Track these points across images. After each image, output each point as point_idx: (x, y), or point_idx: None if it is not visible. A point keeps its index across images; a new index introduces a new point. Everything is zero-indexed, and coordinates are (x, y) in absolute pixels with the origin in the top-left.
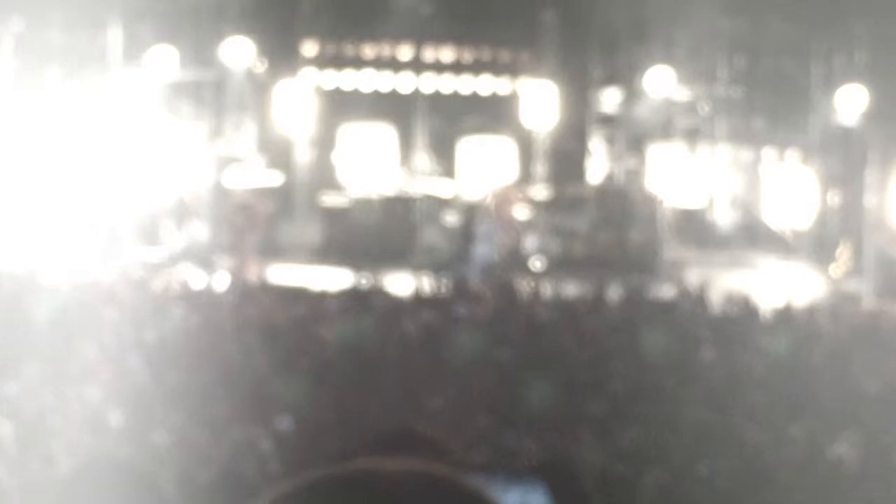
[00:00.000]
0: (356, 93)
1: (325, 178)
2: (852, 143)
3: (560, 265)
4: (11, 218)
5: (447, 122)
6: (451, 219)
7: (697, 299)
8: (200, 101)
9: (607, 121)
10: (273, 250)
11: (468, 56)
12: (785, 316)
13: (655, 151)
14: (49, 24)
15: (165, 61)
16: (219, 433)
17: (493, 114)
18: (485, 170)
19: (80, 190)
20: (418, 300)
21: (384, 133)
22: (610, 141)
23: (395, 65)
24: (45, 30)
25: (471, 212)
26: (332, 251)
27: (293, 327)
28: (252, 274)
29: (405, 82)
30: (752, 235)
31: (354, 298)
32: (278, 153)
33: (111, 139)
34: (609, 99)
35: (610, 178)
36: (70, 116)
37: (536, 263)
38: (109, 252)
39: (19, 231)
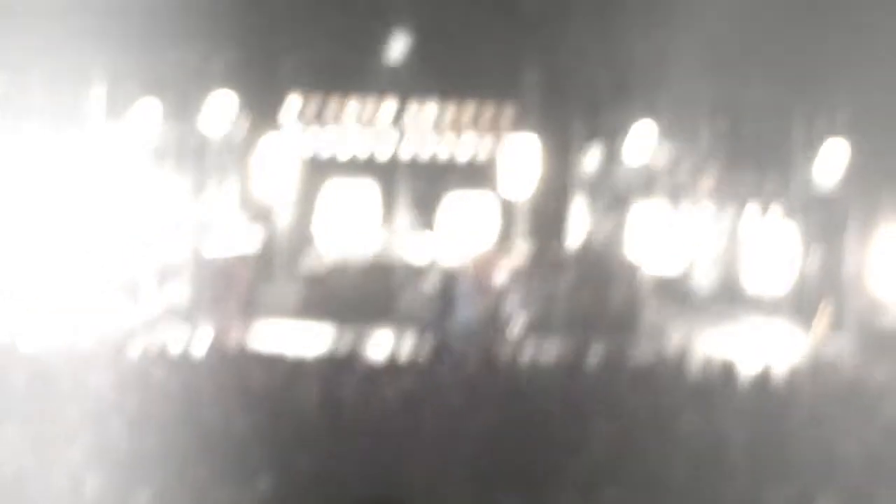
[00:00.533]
0: (339, 152)
1: (306, 238)
2: (833, 204)
3: (540, 327)
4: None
5: (428, 181)
6: (432, 281)
7: (677, 362)
8: (182, 158)
9: (589, 181)
10: (253, 312)
11: (450, 116)
12: (764, 378)
13: (637, 210)
14: (31, 79)
15: (147, 118)
16: (200, 495)
17: (475, 174)
18: (466, 230)
19: (59, 250)
20: (398, 364)
21: (365, 193)
22: (591, 201)
23: (377, 124)
24: (28, 85)
25: (451, 274)
26: (313, 313)
27: (272, 391)
28: (232, 337)
29: (387, 142)
30: (733, 296)
31: (333, 362)
32: (260, 212)
33: (91, 197)
34: (591, 159)
35: (591, 238)
36: (50, 173)
37: (516, 326)
38: (90, 314)
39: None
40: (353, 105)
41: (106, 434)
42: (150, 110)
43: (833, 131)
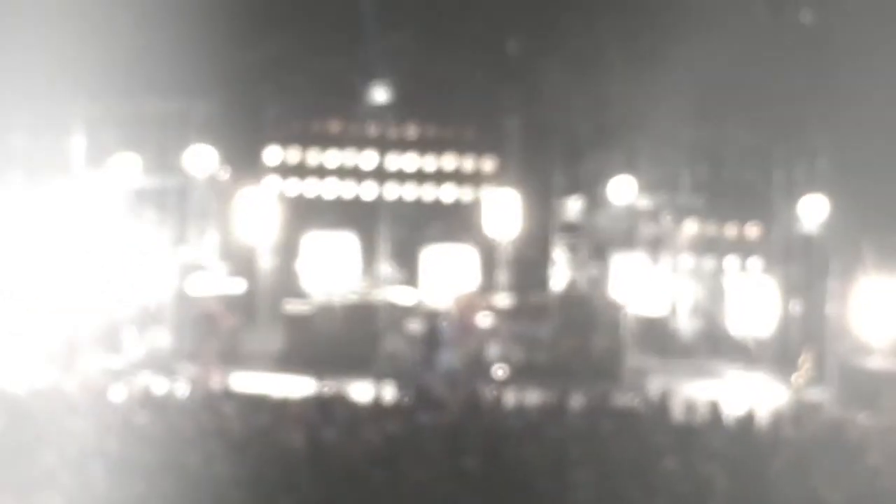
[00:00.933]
0: (319, 200)
1: (287, 285)
2: (814, 252)
3: (523, 373)
4: None
5: (410, 229)
6: (414, 326)
7: (660, 408)
8: (163, 207)
9: (570, 229)
10: (235, 358)
11: (431, 163)
12: (746, 425)
13: (618, 259)
14: (11, 128)
15: (128, 168)
16: None
17: (456, 221)
18: (447, 277)
19: (40, 295)
20: (380, 408)
21: (347, 240)
22: (573, 249)
23: (358, 173)
24: (7, 134)
25: (433, 319)
26: (295, 358)
27: (255, 436)
28: (214, 381)
29: (368, 190)
30: (715, 344)
31: (316, 407)
32: (241, 260)
33: (72, 244)
34: (572, 207)
35: (573, 285)
36: (31, 221)
37: (499, 371)
38: (70, 359)
39: None
40: (334, 154)
41: (87, 477)
42: (130, 160)
43: (814, 179)
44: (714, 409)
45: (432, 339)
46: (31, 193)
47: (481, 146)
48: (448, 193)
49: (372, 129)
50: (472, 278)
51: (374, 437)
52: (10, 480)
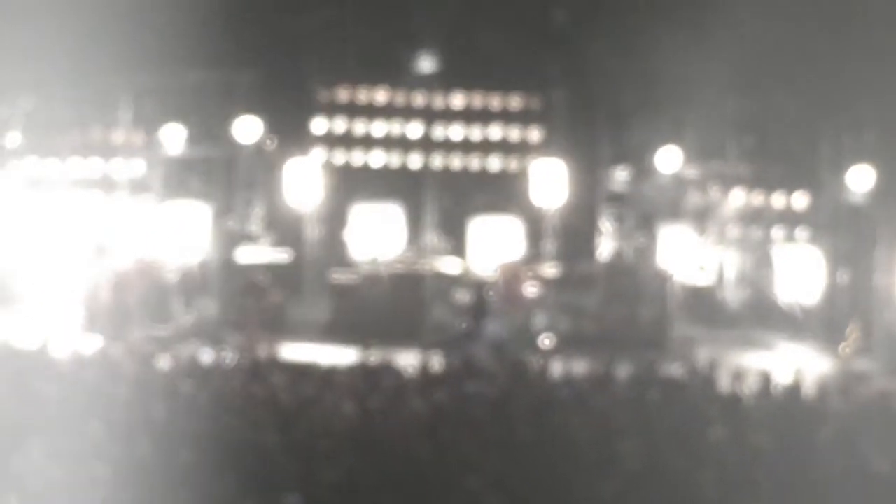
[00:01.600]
0: (365, 170)
1: (334, 254)
2: (861, 221)
3: (569, 342)
4: (21, 291)
5: (457, 199)
6: (461, 296)
7: (707, 378)
8: (210, 177)
9: (616, 199)
10: (282, 327)
11: (477, 133)
12: (794, 395)
13: (665, 229)
14: (58, 100)
15: (176, 137)
16: None
17: (503, 191)
18: (494, 247)
19: (88, 265)
20: (427, 378)
21: (393, 210)
22: (619, 219)
23: (404, 143)
24: (55, 105)
25: (480, 289)
26: (342, 328)
27: (302, 405)
28: (261, 351)
29: (415, 159)
30: (761, 314)
31: (363, 375)
32: (288, 230)
33: (120, 213)
34: (618, 177)
35: (619, 255)
36: (80, 191)
37: (546, 341)
38: (118, 326)
39: (28, 304)
40: (380, 123)
41: (134, 447)
42: (176, 130)
43: (861, 148)
44: (761, 378)
45: (480, 308)
46: (78, 165)
47: (527, 116)
48: (494, 163)
49: (418, 99)
50: (518, 248)
51: (421, 407)
52: (58, 450)
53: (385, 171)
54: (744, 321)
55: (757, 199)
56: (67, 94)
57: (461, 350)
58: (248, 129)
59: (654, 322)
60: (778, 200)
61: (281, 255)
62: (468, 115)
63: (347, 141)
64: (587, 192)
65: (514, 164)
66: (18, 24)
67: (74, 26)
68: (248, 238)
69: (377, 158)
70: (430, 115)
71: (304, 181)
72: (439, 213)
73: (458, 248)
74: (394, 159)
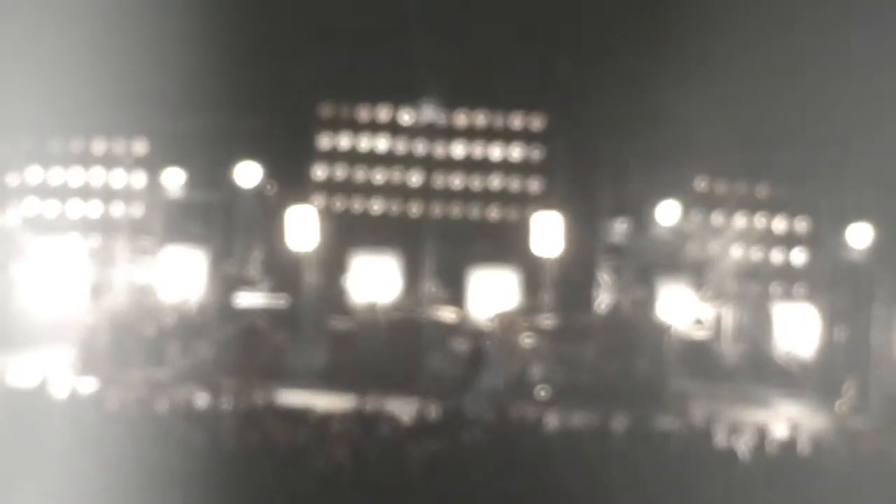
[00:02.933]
0: (365, 216)
1: (332, 300)
2: (859, 278)
3: (565, 394)
4: (19, 332)
5: (455, 248)
6: (458, 344)
7: (703, 432)
8: (210, 221)
9: (615, 251)
10: (279, 372)
11: (478, 183)
12: (789, 451)
13: (663, 282)
14: (59, 141)
15: (176, 181)
16: None
17: (502, 241)
18: (491, 296)
19: (85, 306)
20: (423, 426)
21: (392, 257)
22: (617, 271)
23: (404, 190)
24: (55, 146)
25: (476, 338)
26: (338, 374)
27: (297, 450)
28: (257, 396)
29: (414, 207)
30: (758, 369)
31: (359, 423)
32: (286, 275)
33: (118, 255)
34: (617, 229)
35: (617, 307)
36: (79, 233)
37: (542, 392)
38: (115, 369)
39: (25, 345)
40: (380, 171)
41: (126, 488)
42: (176, 175)
43: (860, 206)
44: (757, 434)
45: (475, 357)
46: (77, 206)
47: (527, 166)
48: (494, 213)
49: (419, 148)
50: (515, 298)
51: (416, 455)
52: (49, 488)
53: (384, 219)
54: (740, 376)
55: (756, 253)
56: (68, 136)
57: (457, 398)
58: (248, 174)
59: (650, 375)
60: (776, 256)
61: (279, 300)
62: (468, 164)
63: (347, 187)
64: (586, 244)
65: (513, 214)
66: (20, 64)
67: (77, 70)
68: (247, 282)
69: (377, 206)
70: (430, 164)
71: (303, 227)
72: (438, 261)
73: (456, 297)
74: (393, 207)
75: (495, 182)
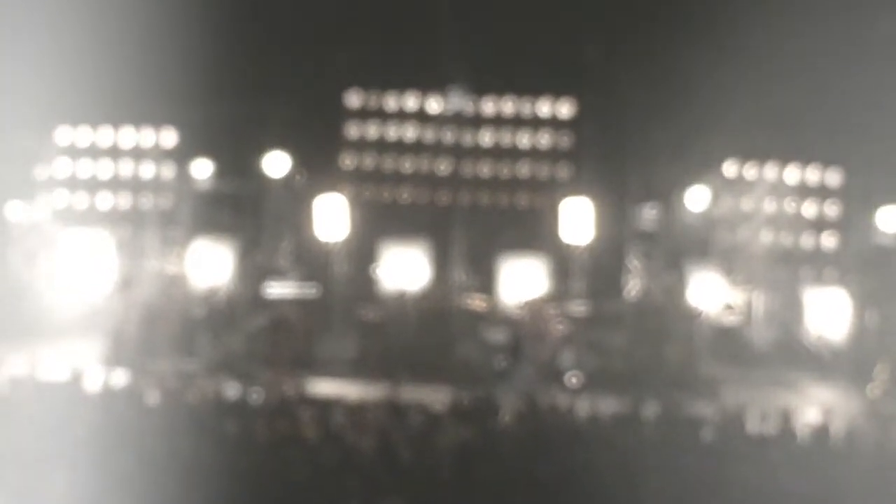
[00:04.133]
0: (394, 205)
1: (362, 290)
2: (890, 261)
3: (596, 381)
4: (50, 323)
5: (484, 235)
6: (488, 333)
7: (734, 417)
8: (239, 211)
9: (644, 236)
10: (310, 362)
11: (507, 171)
12: (821, 436)
13: (693, 268)
14: (89, 131)
15: (205, 171)
16: None
17: (530, 228)
18: (521, 284)
19: (116, 298)
20: (454, 414)
21: (421, 246)
22: (647, 257)
23: (433, 178)
24: (85, 138)
25: (505, 325)
26: (369, 364)
27: (329, 441)
28: (288, 386)
29: (444, 195)
30: (789, 354)
31: (389, 412)
32: (316, 265)
33: (149, 246)
34: (647, 214)
35: (647, 294)
36: (109, 224)
37: (573, 379)
38: (146, 360)
39: (57, 337)
40: (409, 159)
41: (161, 480)
42: (206, 165)
43: (892, 187)
44: (788, 419)
45: (505, 345)
46: (107, 198)
47: (556, 153)
48: (523, 200)
49: (447, 135)
50: (545, 285)
51: (448, 443)
52: (85, 481)
53: (413, 207)
54: (772, 361)
55: (786, 238)
56: (98, 127)
57: (488, 386)
58: (276, 163)
59: (681, 361)
60: (807, 240)
61: (309, 290)
62: (497, 152)
63: (376, 176)
64: (616, 230)
65: (542, 201)
66: (48, 56)
67: (107, 58)
68: (276, 272)
69: (406, 194)
70: (458, 151)
71: (332, 216)
72: (467, 249)
73: (485, 285)
74: (422, 195)
75: (524, 169)
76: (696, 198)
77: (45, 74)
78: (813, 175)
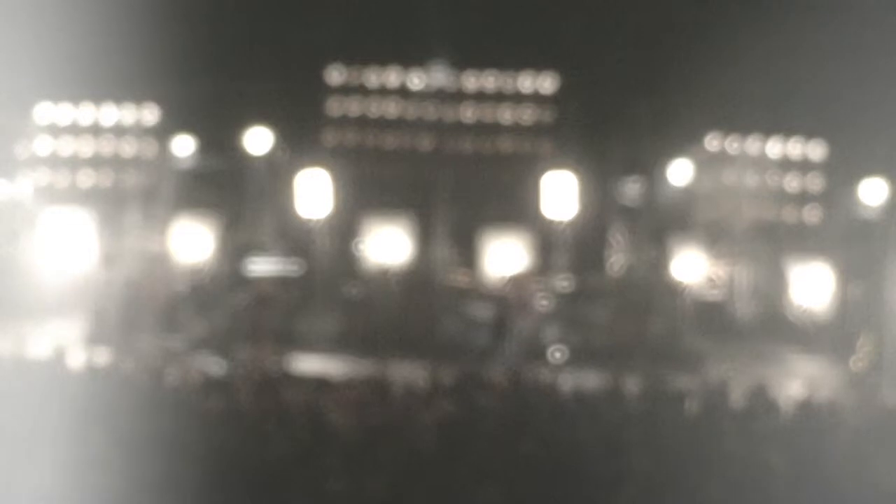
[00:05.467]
0: (377, 181)
1: (345, 266)
2: (874, 235)
3: (579, 355)
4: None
5: (468, 211)
6: (472, 308)
7: (718, 391)
8: (221, 188)
9: (628, 211)
10: (293, 338)
11: (489, 146)
12: (805, 409)
13: (676, 242)
14: (70, 109)
15: (185, 149)
16: None
17: (514, 203)
18: (505, 259)
19: (99, 276)
20: (437, 390)
21: (405, 222)
22: (630, 231)
23: (416, 154)
24: (67, 116)
25: (489, 301)
26: (352, 340)
27: (311, 416)
28: (271, 362)
29: (426, 171)
30: (772, 327)
31: (372, 387)
32: (298, 241)
33: (131, 224)
34: (630, 189)
35: (630, 268)
36: (90, 202)
37: (556, 354)
38: (128, 338)
39: (41, 318)
40: (391, 135)
41: (139, 458)
42: (188, 141)
43: (875, 161)
44: (771, 392)
45: (488, 319)
46: (88, 175)
47: (539, 128)
48: (506, 175)
49: (429, 110)
50: (528, 260)
51: (431, 419)
52: (64, 459)
53: (396, 183)
54: (755, 334)
55: (769, 211)
56: (79, 104)
57: (471, 361)
58: (259, 139)
59: (664, 335)
60: (789, 213)
61: (292, 267)
62: (480, 127)
63: (359, 152)
64: (598, 205)
65: (525, 176)
66: (26, 33)
67: (87, 36)
68: (259, 249)
69: (389, 170)
70: (441, 127)
71: (315, 192)
72: (450, 225)
73: (469, 260)
74: (405, 171)
75: (506, 144)
76: (679, 172)
77: (26, 52)
78: (795, 149)
